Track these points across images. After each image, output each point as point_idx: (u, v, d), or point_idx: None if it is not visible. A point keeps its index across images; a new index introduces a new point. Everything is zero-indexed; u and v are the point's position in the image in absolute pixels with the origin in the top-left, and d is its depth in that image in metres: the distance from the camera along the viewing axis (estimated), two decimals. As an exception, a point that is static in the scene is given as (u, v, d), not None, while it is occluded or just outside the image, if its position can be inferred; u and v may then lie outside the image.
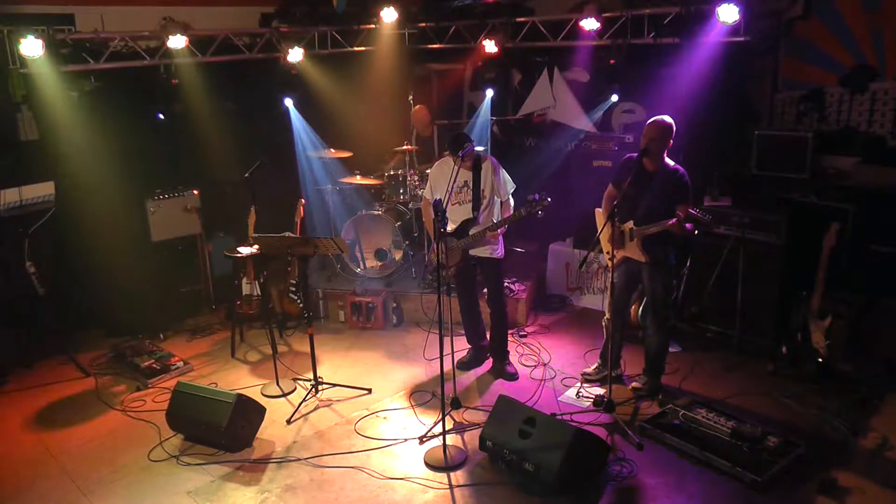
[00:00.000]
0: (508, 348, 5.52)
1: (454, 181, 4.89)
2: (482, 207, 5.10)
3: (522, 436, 4.07)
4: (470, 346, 5.61)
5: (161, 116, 6.59)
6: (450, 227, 5.13)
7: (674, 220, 4.43)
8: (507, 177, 5.14)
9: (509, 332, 5.81)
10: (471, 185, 5.08)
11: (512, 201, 5.13)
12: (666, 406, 4.69)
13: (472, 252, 5.19)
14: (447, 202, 4.89)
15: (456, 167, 4.90)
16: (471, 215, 5.10)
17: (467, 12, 7.54)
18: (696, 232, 5.66)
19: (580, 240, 6.57)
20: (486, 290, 5.52)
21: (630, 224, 4.69)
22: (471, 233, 5.09)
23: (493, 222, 5.05)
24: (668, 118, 4.59)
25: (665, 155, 4.63)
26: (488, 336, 5.56)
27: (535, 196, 4.70)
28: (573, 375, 5.33)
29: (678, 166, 4.64)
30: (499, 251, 5.21)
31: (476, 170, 5.07)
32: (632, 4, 6.47)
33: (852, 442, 4.35)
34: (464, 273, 5.31)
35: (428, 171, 6.66)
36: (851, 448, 4.30)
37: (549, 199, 4.69)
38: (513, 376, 5.36)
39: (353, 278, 6.78)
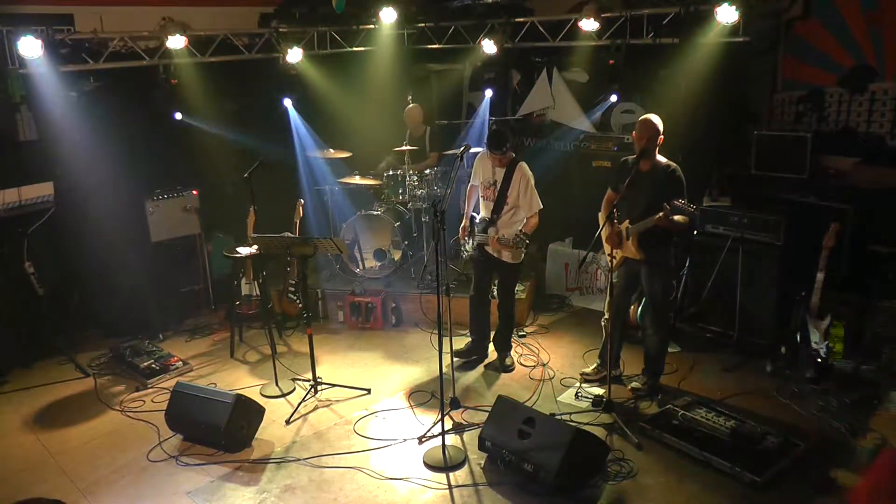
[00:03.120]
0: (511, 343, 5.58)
1: (486, 176, 5.10)
2: (503, 211, 5.09)
3: (522, 436, 4.07)
4: (471, 339, 5.63)
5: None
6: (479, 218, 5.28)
7: (661, 213, 4.42)
8: (536, 194, 5.05)
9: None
10: (499, 185, 5.08)
11: (537, 220, 5.03)
12: (665, 406, 4.70)
13: (490, 251, 5.21)
14: (479, 194, 5.22)
15: (490, 163, 5.05)
16: (492, 215, 5.13)
17: (466, 12, 7.54)
18: (696, 232, 5.69)
19: (580, 240, 6.57)
20: (496, 288, 5.57)
21: (626, 223, 4.70)
22: (488, 233, 5.12)
23: (514, 229, 4.97)
24: (654, 116, 4.62)
25: (657, 152, 4.64)
26: (492, 334, 5.57)
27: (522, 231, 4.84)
28: (572, 375, 5.33)
29: (671, 162, 4.65)
30: (517, 257, 5.20)
31: (508, 172, 5.04)
32: (631, 4, 6.47)
33: (852, 442, 4.35)
34: (480, 265, 5.37)
35: (426, 172, 6.69)
36: (851, 448, 4.29)
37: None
38: (509, 368, 5.44)
39: (352, 278, 6.76)
